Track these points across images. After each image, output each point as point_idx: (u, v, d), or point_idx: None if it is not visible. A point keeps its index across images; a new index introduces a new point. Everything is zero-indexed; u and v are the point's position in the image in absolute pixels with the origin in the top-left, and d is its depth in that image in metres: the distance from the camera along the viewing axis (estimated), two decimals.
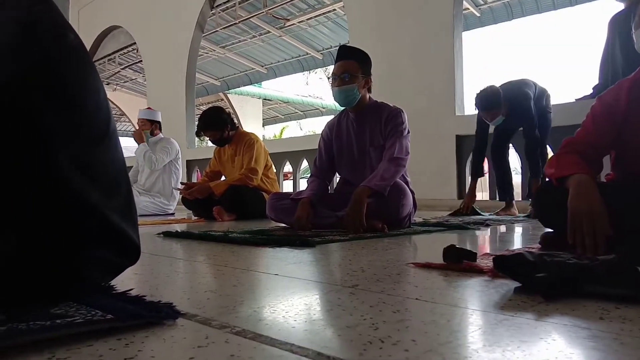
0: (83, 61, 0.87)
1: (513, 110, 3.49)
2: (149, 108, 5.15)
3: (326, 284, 1.09)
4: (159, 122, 4.84)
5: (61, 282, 0.82)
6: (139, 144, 4.68)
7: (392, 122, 2.52)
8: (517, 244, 1.98)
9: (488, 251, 1.62)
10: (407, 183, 2.59)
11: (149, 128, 4.73)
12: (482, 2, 7.60)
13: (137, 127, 4.82)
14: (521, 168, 4.30)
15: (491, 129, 3.84)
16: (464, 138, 4.83)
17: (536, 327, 0.71)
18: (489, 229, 2.50)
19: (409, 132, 2.56)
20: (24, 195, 0.79)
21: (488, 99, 3.48)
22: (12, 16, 0.76)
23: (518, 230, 2.53)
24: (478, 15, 7.85)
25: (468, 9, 7.44)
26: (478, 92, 3.54)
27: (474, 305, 0.86)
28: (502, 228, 2.60)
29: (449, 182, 4.87)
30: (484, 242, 2.05)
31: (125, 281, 1.10)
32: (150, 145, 4.72)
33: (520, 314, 0.77)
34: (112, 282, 0.95)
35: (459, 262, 1.18)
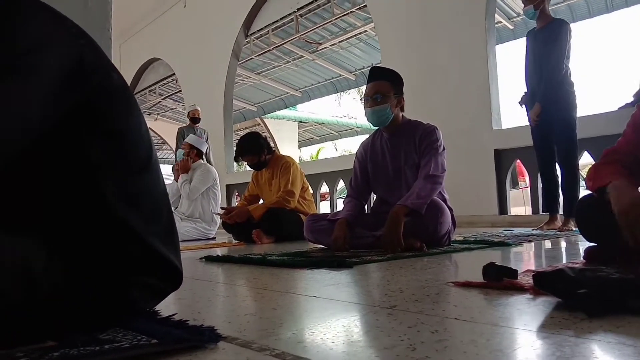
0: (125, 98, 0.92)
1: (548, 36, 3.37)
2: (199, 136, 5.50)
3: (364, 305, 1.09)
4: (202, 152, 5.03)
5: (108, 308, 0.86)
6: (181, 174, 4.83)
7: (426, 140, 2.51)
8: (561, 259, 1.93)
9: (530, 268, 1.59)
10: (444, 200, 2.56)
11: (192, 155, 4.92)
12: (515, 15, 7.52)
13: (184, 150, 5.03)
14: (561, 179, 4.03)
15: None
16: (502, 152, 4.75)
17: (578, 345, 0.69)
18: (532, 245, 2.44)
19: (444, 149, 2.54)
20: (72, 224, 0.84)
21: None
22: (60, 56, 0.82)
23: (562, 245, 2.45)
24: (511, 27, 7.76)
25: (501, 22, 7.37)
26: None
27: (514, 323, 0.85)
28: (547, 244, 2.53)
29: (489, 197, 4.78)
30: (525, 258, 2.00)
31: (169, 306, 1.14)
32: (193, 170, 4.89)
33: (562, 332, 0.76)
34: (157, 307, 0.99)
35: (499, 280, 1.16)
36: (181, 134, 6.75)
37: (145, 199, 0.92)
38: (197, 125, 7.04)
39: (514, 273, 1.15)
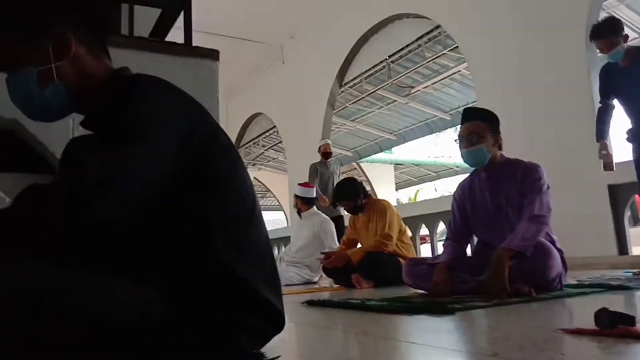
0: (231, 156, 1.03)
1: None
2: (306, 184, 5.39)
3: (465, 353, 1.07)
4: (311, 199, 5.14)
5: (220, 350, 0.93)
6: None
7: (528, 179, 2.41)
8: None
9: None
10: (553, 242, 2.41)
11: (300, 205, 5.08)
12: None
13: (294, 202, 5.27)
14: None
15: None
16: (617, 187, 4.37)
17: None
18: None
19: (548, 187, 2.41)
20: (186, 273, 0.94)
21: (605, 22, 3.14)
22: (177, 124, 0.95)
23: None
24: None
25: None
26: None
27: None
28: None
29: (605, 237, 4.38)
30: None
31: (273, 349, 1.20)
32: (305, 219, 5.05)
33: None
34: (262, 350, 1.05)
35: (614, 327, 1.07)
36: (314, 170, 6.49)
37: (251, 247, 1.00)
38: (328, 160, 6.67)
39: (631, 320, 1.07)
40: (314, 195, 5.21)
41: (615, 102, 3.41)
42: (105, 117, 0.96)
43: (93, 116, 1.05)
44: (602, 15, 5.05)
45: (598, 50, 3.25)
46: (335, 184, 5.70)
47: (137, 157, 0.87)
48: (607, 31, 3.15)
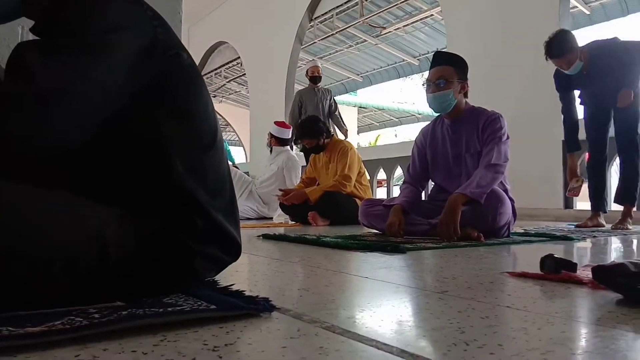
0: (194, 78, 0.97)
1: (602, 65, 3.07)
2: (282, 123, 5.23)
3: (415, 289, 1.10)
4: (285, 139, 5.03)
5: (173, 274, 0.92)
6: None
7: (490, 128, 2.45)
8: (629, 256, 1.83)
9: (590, 263, 1.52)
10: (506, 191, 2.49)
11: (273, 143, 5.02)
12: (593, 0, 7.07)
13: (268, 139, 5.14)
14: (620, 170, 3.52)
15: (580, 114, 3.38)
16: None
17: (636, 340, 0.67)
18: (598, 240, 2.33)
19: (508, 137, 2.46)
20: (142, 194, 0.90)
21: (558, 40, 3.10)
22: (137, 36, 0.88)
23: (632, 241, 2.32)
24: (588, 13, 7.30)
25: (576, 7, 6.95)
26: (546, 39, 3.16)
27: (569, 315, 0.83)
28: (615, 240, 2.41)
29: (554, 190, 4.58)
30: (588, 253, 1.92)
31: (227, 277, 1.20)
32: (275, 153, 5.01)
33: (618, 326, 0.74)
34: (216, 278, 1.05)
35: (558, 273, 1.13)
36: (298, 99, 5.77)
37: (211, 175, 0.97)
38: (317, 85, 5.78)
39: (573, 266, 1.12)
40: (289, 136, 5.08)
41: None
42: (58, 23, 0.87)
43: (45, 21, 0.96)
44: None
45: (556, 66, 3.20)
46: (326, 113, 5.54)
47: (93, 68, 0.81)
48: (561, 50, 3.10)
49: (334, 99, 5.89)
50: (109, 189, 0.90)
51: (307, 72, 5.84)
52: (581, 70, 3.17)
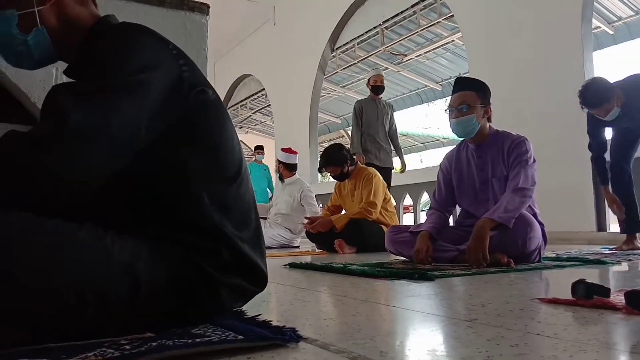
0: (219, 113, 1.01)
1: (638, 102, 2.98)
2: (289, 149, 5.23)
3: (443, 317, 1.09)
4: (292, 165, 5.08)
5: (201, 306, 0.94)
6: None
7: (515, 152, 2.43)
8: None
9: (626, 287, 1.48)
10: (535, 215, 2.44)
11: (282, 169, 5.06)
12: (616, 19, 7.00)
13: (276, 167, 5.19)
14: None
15: (608, 134, 3.29)
16: None
17: None
18: (634, 264, 2.25)
19: (534, 161, 2.43)
20: (173, 227, 0.93)
21: (596, 89, 3.01)
22: (165, 75, 0.92)
23: None
24: (611, 33, 7.23)
25: (600, 27, 6.90)
26: (580, 89, 3.08)
27: (602, 342, 0.81)
28: None
29: (586, 213, 4.46)
30: (623, 277, 1.86)
31: (254, 307, 1.21)
32: (287, 184, 5.03)
33: None
34: (243, 308, 1.06)
35: (589, 298, 1.10)
36: (358, 110, 5.12)
37: (236, 206, 0.99)
38: (379, 96, 5.19)
39: (606, 291, 1.09)
40: (296, 161, 5.14)
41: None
42: (90, 65, 0.92)
43: (77, 64, 1.01)
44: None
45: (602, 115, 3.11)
46: (386, 130, 5.08)
47: (123, 107, 0.85)
48: (598, 101, 3.04)
49: (394, 117, 5.30)
50: (137, 222, 0.93)
51: (368, 81, 5.21)
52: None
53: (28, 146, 0.79)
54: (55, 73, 1.93)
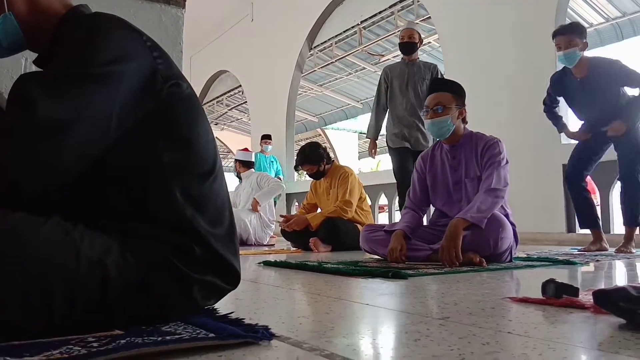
0: (194, 107, 0.99)
1: (601, 80, 3.15)
2: (245, 149, 5.78)
3: (416, 315, 1.09)
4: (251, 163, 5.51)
5: (172, 303, 0.92)
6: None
7: (488, 153, 2.46)
8: (628, 279, 1.82)
9: (594, 287, 1.51)
10: (507, 216, 2.48)
11: (238, 167, 5.49)
12: (587, 25, 7.19)
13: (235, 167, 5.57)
14: (621, 193, 3.41)
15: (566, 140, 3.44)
16: None
17: None
18: (602, 264, 2.31)
19: (507, 162, 2.47)
20: (144, 222, 0.90)
21: (570, 24, 3.29)
22: (138, 67, 0.90)
23: (636, 265, 2.31)
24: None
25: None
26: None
27: (570, 340, 0.82)
28: (619, 264, 2.39)
29: (556, 214, 4.57)
30: (591, 278, 1.90)
31: (227, 305, 1.19)
32: (244, 179, 5.42)
33: (621, 352, 0.73)
34: (215, 306, 1.04)
35: (559, 297, 1.12)
36: (384, 79, 4.12)
37: (210, 203, 0.98)
38: (411, 57, 4.05)
39: (575, 291, 1.11)
40: (252, 159, 5.60)
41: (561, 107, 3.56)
42: (60, 55, 0.89)
43: (47, 54, 0.98)
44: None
45: (556, 48, 3.26)
46: (424, 91, 3.84)
47: (95, 98, 0.82)
48: (569, 30, 3.23)
49: (441, 75, 4.09)
50: (108, 216, 0.90)
51: (400, 37, 4.16)
52: (575, 69, 3.24)
53: None
54: (25, 63, 1.88)
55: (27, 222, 0.79)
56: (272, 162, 7.69)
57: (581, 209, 3.41)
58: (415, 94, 3.94)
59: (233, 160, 5.62)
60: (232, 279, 1.01)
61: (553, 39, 3.27)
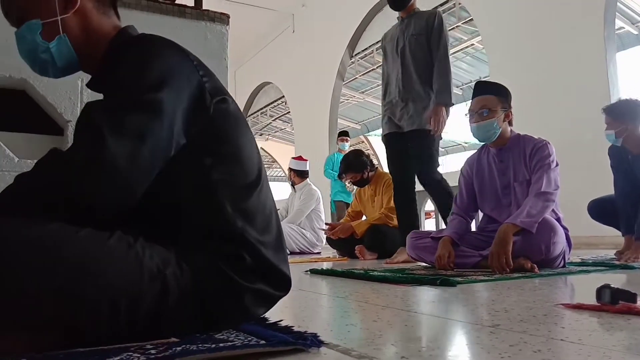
0: (239, 121, 1.02)
1: None
2: (299, 157, 5.49)
3: (466, 323, 1.08)
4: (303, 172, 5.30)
5: (226, 311, 0.95)
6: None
7: (537, 155, 2.40)
8: None
9: None
10: (558, 219, 2.40)
11: (293, 177, 5.28)
12: None
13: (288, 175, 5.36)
14: None
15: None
16: None
17: None
18: None
19: (557, 164, 2.40)
20: (197, 235, 0.94)
21: (627, 103, 2.91)
22: (189, 85, 0.94)
23: None
24: (635, 33, 7.09)
25: (623, 27, 6.77)
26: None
27: (627, 349, 0.79)
28: None
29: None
30: None
31: (275, 313, 1.22)
32: (298, 190, 5.25)
33: None
34: (266, 314, 1.07)
35: (615, 304, 1.08)
36: (383, 45, 3.47)
37: (258, 212, 1.01)
38: (406, 11, 3.18)
39: (632, 296, 1.07)
40: (307, 168, 5.33)
41: None
42: (112, 79, 0.95)
43: (99, 75, 1.05)
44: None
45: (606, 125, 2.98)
46: (417, 52, 3.10)
47: (155, 128, 0.87)
48: (622, 113, 2.93)
49: (442, 31, 3.08)
50: (164, 230, 0.95)
51: None
52: (630, 147, 2.96)
53: (70, 171, 0.82)
54: (81, 85, 1.99)
55: (94, 236, 0.84)
56: None
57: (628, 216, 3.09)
58: (405, 60, 3.09)
59: (279, 168, 5.55)
60: (282, 285, 1.03)
61: (603, 113, 3.02)
